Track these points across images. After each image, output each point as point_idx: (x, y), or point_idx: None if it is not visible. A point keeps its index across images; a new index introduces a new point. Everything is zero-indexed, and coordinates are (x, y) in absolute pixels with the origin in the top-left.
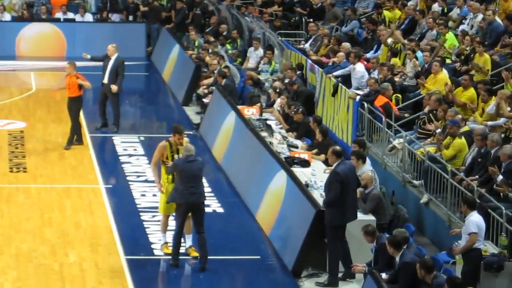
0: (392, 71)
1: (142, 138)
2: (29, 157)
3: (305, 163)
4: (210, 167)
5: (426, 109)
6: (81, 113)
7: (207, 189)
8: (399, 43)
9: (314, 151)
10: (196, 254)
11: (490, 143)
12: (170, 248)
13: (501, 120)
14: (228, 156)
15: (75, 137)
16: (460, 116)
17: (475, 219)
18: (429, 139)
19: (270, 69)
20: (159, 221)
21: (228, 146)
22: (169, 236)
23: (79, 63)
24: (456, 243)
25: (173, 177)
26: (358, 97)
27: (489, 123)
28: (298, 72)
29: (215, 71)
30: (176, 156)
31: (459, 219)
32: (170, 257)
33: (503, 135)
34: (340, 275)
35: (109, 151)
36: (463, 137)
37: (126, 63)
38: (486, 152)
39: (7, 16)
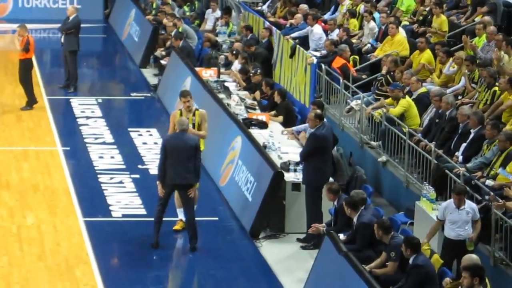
0: (348, 33)
1: (99, 100)
2: None
3: (262, 125)
4: (167, 129)
5: (383, 71)
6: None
7: None
8: (357, 4)
9: (272, 112)
10: (178, 227)
11: (444, 105)
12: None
13: (460, 84)
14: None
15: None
16: (415, 78)
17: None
18: (375, 103)
19: (228, 31)
20: (117, 183)
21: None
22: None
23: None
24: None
25: None
26: (315, 59)
27: (449, 90)
28: (252, 34)
29: (172, 33)
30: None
31: (416, 180)
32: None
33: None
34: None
35: (66, 114)
36: (406, 96)
37: (83, 25)
38: (442, 113)
39: None
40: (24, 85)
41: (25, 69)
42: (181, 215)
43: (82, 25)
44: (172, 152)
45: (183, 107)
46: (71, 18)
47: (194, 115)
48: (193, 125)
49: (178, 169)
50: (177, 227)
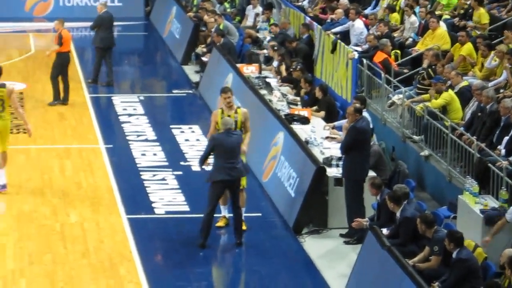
0: (390, 27)
1: (141, 98)
2: (28, 118)
3: (304, 120)
4: (209, 125)
5: (424, 65)
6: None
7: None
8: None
9: (314, 108)
10: (221, 224)
11: (485, 99)
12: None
13: (502, 78)
14: None
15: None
16: (454, 72)
17: None
18: (416, 98)
19: (269, 27)
20: (160, 180)
21: None
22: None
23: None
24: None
25: None
26: (356, 54)
27: (490, 83)
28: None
29: (213, 30)
30: None
31: (459, 174)
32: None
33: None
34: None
35: (108, 111)
36: (449, 90)
37: (124, 23)
38: (484, 107)
39: None
40: (52, 80)
41: (59, 63)
42: (224, 211)
43: (122, 23)
44: (220, 151)
45: (224, 104)
46: (98, 15)
47: (236, 112)
48: (235, 122)
49: (227, 166)
50: (220, 223)
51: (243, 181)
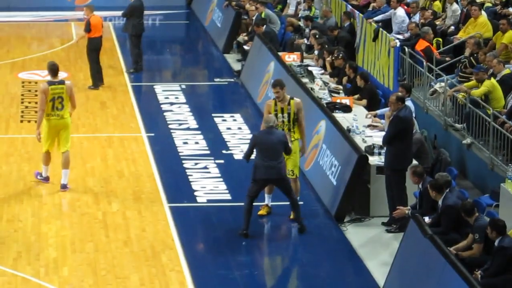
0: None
1: (183, 86)
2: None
3: (346, 109)
4: (251, 114)
5: (466, 53)
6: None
7: (249, 136)
8: None
9: (356, 96)
10: (263, 212)
11: None
12: (266, 209)
13: None
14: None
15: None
16: (496, 60)
17: None
18: (458, 86)
19: (310, 15)
20: (202, 168)
21: (268, 91)
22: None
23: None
24: None
25: None
26: (398, 42)
27: None
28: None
29: (254, 18)
30: (279, 116)
31: (501, 162)
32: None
33: None
34: (386, 220)
35: (150, 100)
36: (491, 78)
37: (166, 12)
38: None
39: None
40: (90, 64)
41: (89, 48)
42: (268, 200)
43: (164, 12)
44: (261, 149)
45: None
46: (130, 3)
47: (289, 104)
48: (288, 114)
49: (269, 165)
50: (262, 212)
51: (296, 170)
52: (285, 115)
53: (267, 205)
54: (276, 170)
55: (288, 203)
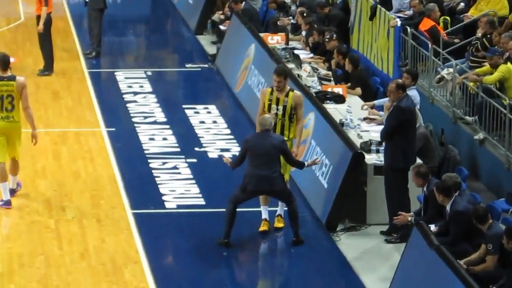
0: None
1: (149, 73)
2: None
3: (339, 99)
4: (228, 106)
5: (479, 34)
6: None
7: (226, 130)
8: None
9: (348, 84)
10: (265, 228)
11: None
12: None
13: None
14: (250, 92)
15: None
16: None
17: None
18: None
19: None
20: (171, 168)
21: (248, 79)
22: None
23: None
24: None
25: None
26: (399, 22)
27: None
28: None
29: None
30: (273, 107)
31: None
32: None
33: None
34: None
35: (111, 89)
36: (508, 63)
37: None
38: None
39: None
40: (42, 45)
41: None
42: (265, 213)
43: None
44: (253, 155)
45: (275, 86)
46: None
47: (286, 95)
48: (284, 108)
49: (261, 175)
50: (263, 227)
51: (287, 175)
52: (280, 107)
53: (266, 219)
54: (269, 181)
55: (273, 208)
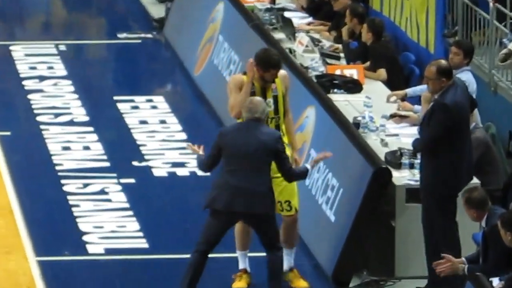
0: None
1: (62, 48)
2: None
3: (352, 86)
4: (183, 96)
5: None
6: None
7: (179, 134)
8: None
9: (367, 64)
10: (243, 284)
11: None
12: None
13: None
14: (216, 75)
15: None
16: None
17: None
18: None
19: None
20: (96, 193)
21: (213, 57)
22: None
23: None
24: None
25: None
26: None
27: None
28: None
29: None
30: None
31: None
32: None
33: None
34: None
35: (4, 71)
36: None
37: None
38: None
39: None
40: None
41: None
42: (244, 262)
43: None
44: (230, 156)
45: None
46: None
47: (273, 80)
48: (275, 98)
49: (238, 187)
50: (239, 284)
51: (294, 201)
52: (270, 100)
53: (245, 270)
54: (248, 198)
55: (258, 254)
